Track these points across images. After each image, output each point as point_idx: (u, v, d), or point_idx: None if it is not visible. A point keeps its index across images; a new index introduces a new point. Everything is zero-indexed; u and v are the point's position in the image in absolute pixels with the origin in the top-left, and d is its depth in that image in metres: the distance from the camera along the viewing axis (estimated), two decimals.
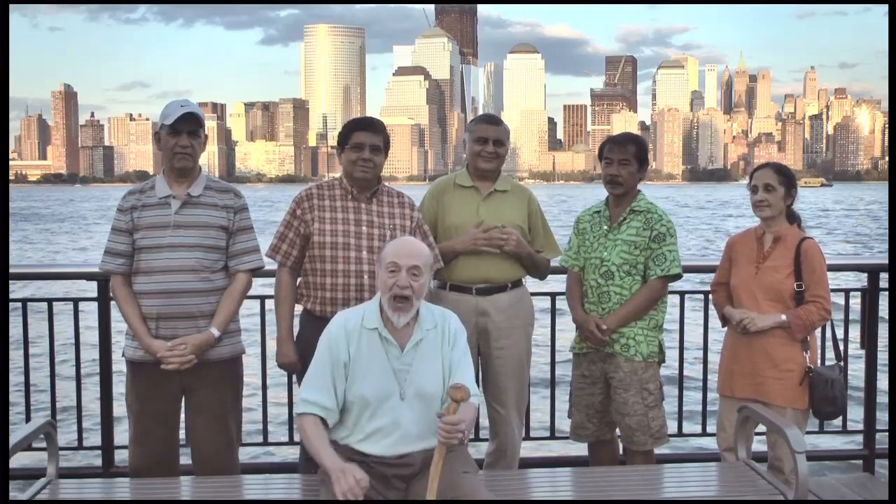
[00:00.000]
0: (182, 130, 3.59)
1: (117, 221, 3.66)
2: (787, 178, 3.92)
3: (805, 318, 3.78)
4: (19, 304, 4.52)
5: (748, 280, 3.91)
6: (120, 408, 4.08)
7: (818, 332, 4.10)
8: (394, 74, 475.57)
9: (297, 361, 3.71)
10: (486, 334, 3.98)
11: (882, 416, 4.80)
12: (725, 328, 4.07)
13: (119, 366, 4.00)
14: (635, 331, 3.95)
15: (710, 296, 4.26)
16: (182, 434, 3.80)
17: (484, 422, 4.40)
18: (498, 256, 3.95)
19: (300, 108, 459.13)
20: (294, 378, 3.91)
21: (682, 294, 4.73)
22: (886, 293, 4.79)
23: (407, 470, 3.05)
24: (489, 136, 4.03)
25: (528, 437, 4.68)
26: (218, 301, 3.62)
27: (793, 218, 3.98)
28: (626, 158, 4.00)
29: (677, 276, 4.00)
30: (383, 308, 3.06)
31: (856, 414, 5.06)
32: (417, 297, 3.03)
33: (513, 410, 4.07)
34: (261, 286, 4.18)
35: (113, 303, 3.95)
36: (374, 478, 2.95)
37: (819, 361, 4.11)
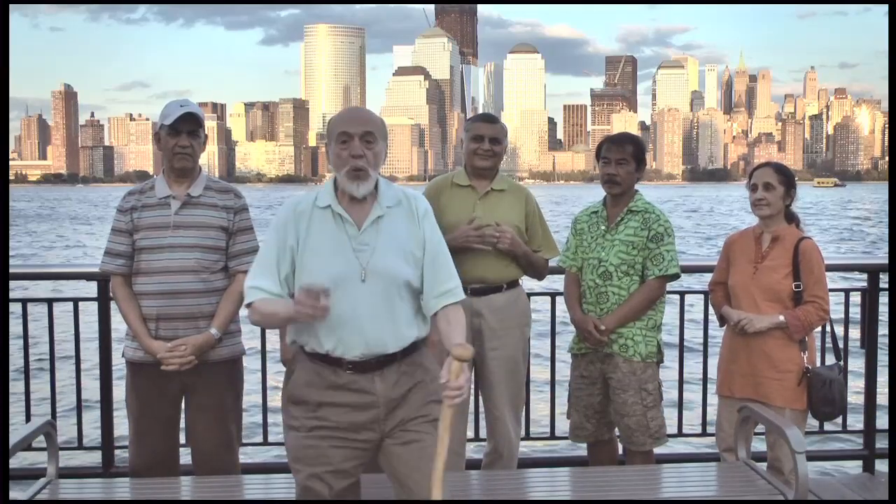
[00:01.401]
0: (182, 130, 3.58)
1: (117, 222, 3.66)
2: (787, 178, 3.92)
3: (803, 319, 3.78)
4: (19, 304, 4.52)
5: (746, 280, 3.91)
6: (120, 408, 4.08)
7: (817, 331, 4.10)
8: (394, 74, 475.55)
9: None
10: (479, 335, 3.93)
11: (882, 416, 4.79)
12: (724, 328, 4.08)
13: (119, 366, 4.00)
14: (634, 331, 3.95)
15: (709, 295, 4.27)
16: (182, 434, 3.80)
17: (482, 422, 4.40)
18: (493, 256, 3.91)
19: (300, 108, 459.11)
20: None
21: (682, 294, 4.73)
22: (886, 293, 4.79)
23: (368, 398, 2.75)
24: (485, 134, 4.02)
25: (527, 438, 4.68)
26: (218, 302, 3.62)
27: (791, 218, 3.98)
28: (624, 158, 4.00)
29: (675, 276, 3.99)
30: (338, 186, 2.79)
31: (856, 414, 5.05)
32: (374, 167, 2.76)
33: (507, 411, 4.03)
34: None
35: (113, 303, 3.95)
36: (340, 429, 2.76)
37: (818, 361, 4.11)
